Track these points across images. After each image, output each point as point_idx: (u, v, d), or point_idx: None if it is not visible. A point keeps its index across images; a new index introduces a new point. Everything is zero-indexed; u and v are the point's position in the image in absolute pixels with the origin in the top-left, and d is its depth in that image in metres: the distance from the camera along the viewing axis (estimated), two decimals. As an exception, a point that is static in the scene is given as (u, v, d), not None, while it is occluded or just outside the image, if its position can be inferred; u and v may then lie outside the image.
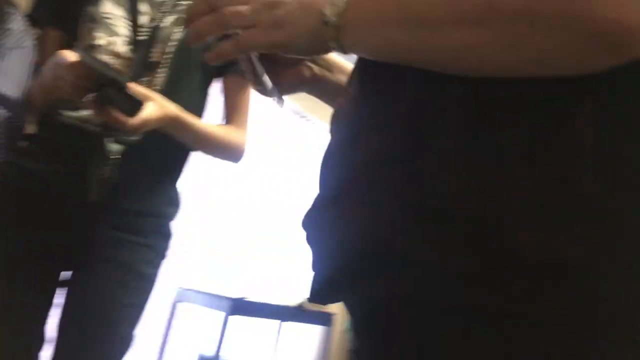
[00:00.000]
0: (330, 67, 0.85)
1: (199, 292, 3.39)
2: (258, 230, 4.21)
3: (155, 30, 1.35)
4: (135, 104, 1.15)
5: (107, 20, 1.33)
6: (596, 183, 0.48)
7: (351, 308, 0.65)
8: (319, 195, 0.67)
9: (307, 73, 0.83)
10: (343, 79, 0.83)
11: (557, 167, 0.49)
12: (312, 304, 0.67)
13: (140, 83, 1.29)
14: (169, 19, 1.37)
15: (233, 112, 1.50)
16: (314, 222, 0.67)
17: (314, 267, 0.66)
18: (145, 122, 1.19)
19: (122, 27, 1.33)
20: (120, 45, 1.32)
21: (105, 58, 1.30)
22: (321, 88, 0.85)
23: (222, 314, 3.11)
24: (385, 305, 0.58)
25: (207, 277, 3.70)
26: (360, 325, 0.64)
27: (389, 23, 0.54)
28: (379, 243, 0.56)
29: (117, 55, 1.31)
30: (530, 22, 0.45)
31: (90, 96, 1.13)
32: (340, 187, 0.62)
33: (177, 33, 1.37)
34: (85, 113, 1.30)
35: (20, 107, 1.21)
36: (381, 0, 0.55)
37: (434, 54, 0.52)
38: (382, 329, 0.59)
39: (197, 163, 1.61)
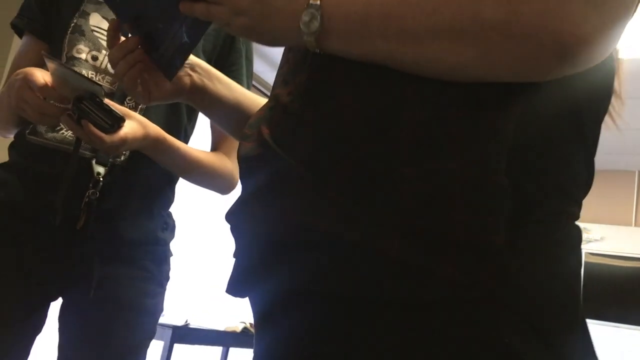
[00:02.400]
0: (209, 76, 0.86)
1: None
2: (200, 252, 4.06)
3: None
4: (115, 120, 1.03)
5: (95, 34, 1.26)
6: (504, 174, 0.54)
7: (261, 300, 0.66)
8: (243, 191, 0.68)
9: (186, 81, 0.83)
10: (221, 88, 0.86)
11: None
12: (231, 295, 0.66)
13: (125, 100, 1.22)
14: None
15: (224, 138, 1.36)
16: (237, 214, 0.67)
17: (235, 256, 0.67)
18: (125, 141, 1.06)
19: None
20: (105, 60, 1.25)
21: (87, 72, 1.22)
22: (200, 98, 0.86)
23: (165, 343, 2.95)
24: (297, 294, 0.59)
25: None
26: (268, 318, 0.64)
27: (370, 32, 0.55)
28: (300, 228, 0.58)
29: (100, 70, 1.23)
30: (506, 34, 0.50)
31: (65, 111, 1.02)
32: (265, 183, 0.63)
33: None
34: (64, 133, 1.20)
35: None
36: (359, 7, 0.56)
37: (412, 63, 0.55)
38: (293, 319, 0.60)
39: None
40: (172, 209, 1.41)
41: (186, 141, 1.35)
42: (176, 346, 2.98)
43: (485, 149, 0.54)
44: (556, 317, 0.55)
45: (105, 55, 1.25)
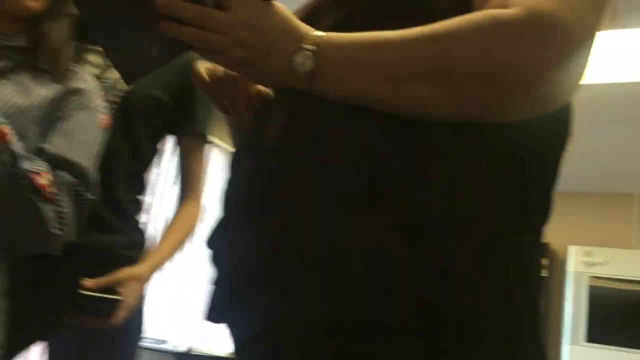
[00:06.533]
0: None
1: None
2: (204, 278, 4.09)
3: (99, 79, 1.30)
4: (111, 305, 1.14)
5: None
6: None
7: (242, 326, 0.67)
8: (224, 216, 0.69)
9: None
10: None
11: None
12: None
13: None
14: (114, 74, 1.32)
15: (186, 180, 1.44)
16: (219, 240, 0.69)
17: (215, 282, 0.69)
18: (130, 309, 1.20)
19: None
20: None
21: None
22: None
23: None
24: (281, 319, 0.60)
25: (150, 327, 3.56)
26: (251, 344, 0.65)
27: (356, 76, 0.60)
28: (284, 253, 0.60)
29: None
30: (476, 77, 0.55)
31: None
32: (251, 206, 0.65)
33: (121, 84, 1.32)
34: None
35: (87, 177, 1.09)
36: (349, 53, 0.60)
37: (392, 103, 0.59)
38: (278, 345, 0.61)
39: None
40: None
41: (145, 165, 1.42)
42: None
43: (455, 186, 0.59)
44: (528, 344, 0.60)
45: None
